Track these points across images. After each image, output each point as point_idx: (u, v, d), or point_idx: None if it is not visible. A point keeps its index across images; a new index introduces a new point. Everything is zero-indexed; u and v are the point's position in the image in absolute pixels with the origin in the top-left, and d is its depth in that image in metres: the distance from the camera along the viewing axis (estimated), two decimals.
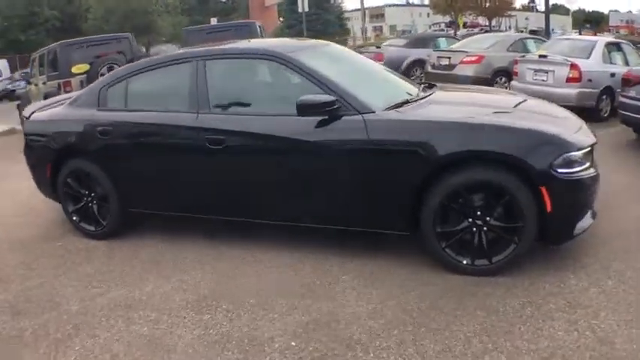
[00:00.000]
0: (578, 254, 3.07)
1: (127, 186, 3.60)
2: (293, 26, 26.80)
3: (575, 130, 3.04)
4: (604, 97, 7.08)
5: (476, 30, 26.84)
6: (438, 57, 9.17)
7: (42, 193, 4.10)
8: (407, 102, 3.16)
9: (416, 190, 2.83)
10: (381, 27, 68.57)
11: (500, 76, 8.01)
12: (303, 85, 3.06)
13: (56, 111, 3.94)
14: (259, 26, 10.70)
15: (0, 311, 2.90)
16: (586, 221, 2.95)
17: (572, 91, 6.83)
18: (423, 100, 3.23)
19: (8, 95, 17.25)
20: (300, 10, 22.19)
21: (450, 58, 8.90)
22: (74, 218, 3.86)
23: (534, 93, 7.06)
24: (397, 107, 3.05)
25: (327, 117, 2.91)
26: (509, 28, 44.42)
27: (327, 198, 3.09)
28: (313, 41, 4.22)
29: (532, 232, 2.76)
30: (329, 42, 4.22)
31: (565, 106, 3.78)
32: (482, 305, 2.62)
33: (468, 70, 8.51)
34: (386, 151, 2.88)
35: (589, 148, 2.88)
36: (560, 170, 2.69)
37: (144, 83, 3.57)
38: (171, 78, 3.44)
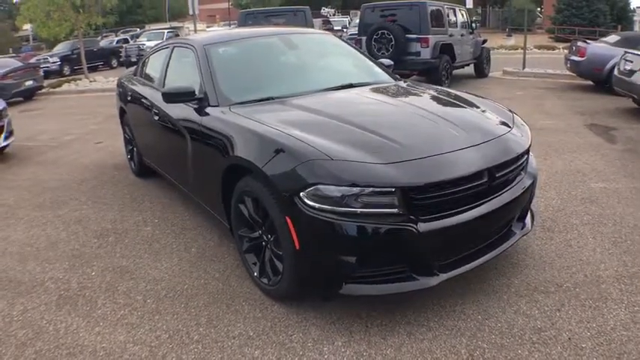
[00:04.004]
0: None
1: (139, 142, 4.76)
2: (561, 11, 23.68)
3: (403, 159, 2.26)
4: None
5: None
6: (625, 60, 7.08)
7: None
8: (269, 99, 3.07)
9: (223, 188, 2.84)
10: None
11: None
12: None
13: (124, 73, 5.39)
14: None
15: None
16: (388, 286, 2.27)
17: None
18: (294, 99, 3.03)
19: None
20: None
21: (632, 62, 6.78)
22: (128, 156, 5.33)
23: None
24: (248, 104, 3.01)
25: (197, 106, 3.18)
26: None
27: (192, 177, 3.46)
28: (277, 30, 4.33)
29: (292, 265, 2.36)
30: (305, 30, 4.26)
31: None
32: (200, 323, 2.50)
33: None
34: (204, 145, 3.04)
35: (380, 189, 2.14)
36: (310, 203, 2.18)
37: (151, 61, 4.58)
38: (160, 59, 4.29)
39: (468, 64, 11.49)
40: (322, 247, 2.24)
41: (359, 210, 2.15)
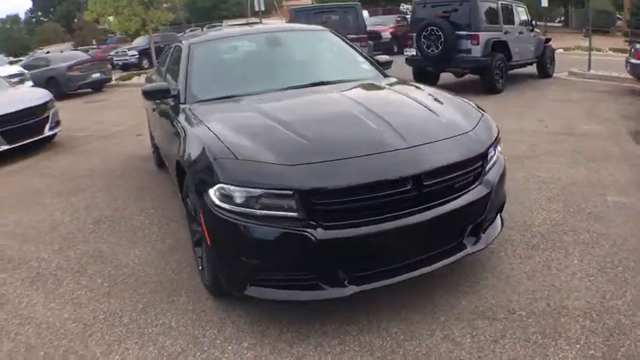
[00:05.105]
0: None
1: (154, 134, 5.06)
2: (635, 14, 22.00)
3: (308, 161, 2.20)
4: None
5: None
6: None
7: None
8: (228, 97, 3.13)
9: (179, 183, 2.97)
10: None
11: None
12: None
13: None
14: None
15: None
16: (293, 293, 2.25)
17: None
18: (248, 97, 3.05)
19: None
20: None
21: None
22: (152, 148, 5.67)
23: None
24: (207, 102, 3.11)
25: (173, 103, 3.35)
26: None
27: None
28: (271, 27, 4.47)
29: (207, 260, 2.47)
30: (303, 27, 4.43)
31: None
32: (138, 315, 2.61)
33: None
34: (171, 140, 3.18)
35: (277, 191, 2.12)
36: (216, 202, 2.20)
37: (162, 59, 4.87)
38: (166, 57, 4.52)
39: (529, 64, 10.76)
40: (226, 245, 2.28)
41: (259, 212, 2.14)
